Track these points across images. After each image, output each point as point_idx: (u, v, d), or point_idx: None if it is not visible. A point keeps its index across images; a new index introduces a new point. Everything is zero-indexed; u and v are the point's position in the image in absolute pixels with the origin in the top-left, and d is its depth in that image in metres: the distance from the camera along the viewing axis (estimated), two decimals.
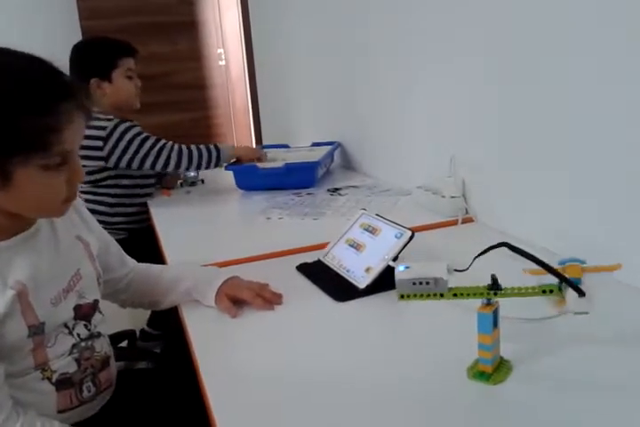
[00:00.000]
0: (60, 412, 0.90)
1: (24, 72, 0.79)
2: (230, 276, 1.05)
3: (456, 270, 0.75)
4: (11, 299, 0.81)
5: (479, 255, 0.75)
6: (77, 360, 0.92)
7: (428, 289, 0.73)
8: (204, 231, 1.53)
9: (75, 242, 0.98)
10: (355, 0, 1.88)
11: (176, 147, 1.82)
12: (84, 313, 0.94)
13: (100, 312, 1.00)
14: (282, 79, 2.90)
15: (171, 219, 1.66)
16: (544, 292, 0.72)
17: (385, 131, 1.85)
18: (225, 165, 1.93)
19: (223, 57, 4.10)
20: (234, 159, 1.95)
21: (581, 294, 0.71)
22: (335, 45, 2.11)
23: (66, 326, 0.91)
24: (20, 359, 0.85)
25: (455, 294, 0.74)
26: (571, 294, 0.72)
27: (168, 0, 3.81)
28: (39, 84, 0.78)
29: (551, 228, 1.15)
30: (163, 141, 1.82)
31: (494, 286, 0.72)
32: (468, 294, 0.73)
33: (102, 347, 0.98)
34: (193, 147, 1.84)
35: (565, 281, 0.71)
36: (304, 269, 1.16)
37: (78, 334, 0.93)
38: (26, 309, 0.83)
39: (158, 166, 1.82)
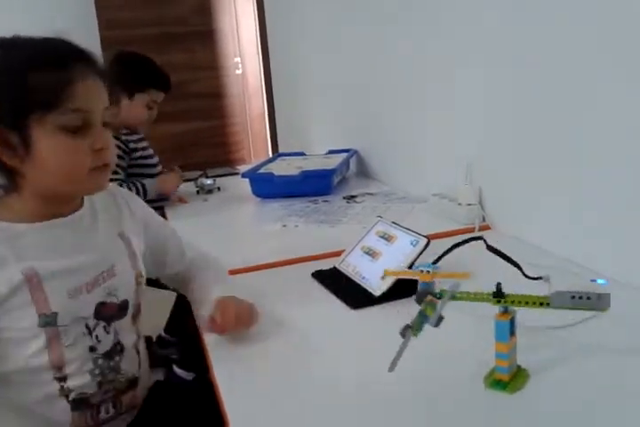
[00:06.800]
0: None
1: (34, 38, 0.81)
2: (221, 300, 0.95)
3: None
4: (17, 283, 0.79)
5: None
6: (99, 382, 0.89)
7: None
8: (220, 239, 1.54)
9: (115, 238, 0.94)
10: (372, 8, 1.88)
11: None
12: (106, 313, 0.89)
13: (129, 316, 0.94)
14: (298, 87, 2.92)
15: (188, 226, 1.66)
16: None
17: (401, 138, 1.85)
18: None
19: (240, 66, 4.14)
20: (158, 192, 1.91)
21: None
22: (351, 54, 2.12)
23: (86, 326, 0.87)
24: (35, 354, 0.82)
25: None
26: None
27: (185, 10, 3.86)
28: (47, 42, 0.80)
29: (569, 236, 1.14)
30: None
31: (498, 293, 0.72)
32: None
33: (131, 366, 0.93)
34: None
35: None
36: (320, 276, 1.16)
37: (97, 336, 0.88)
38: (38, 296, 0.81)
39: None
